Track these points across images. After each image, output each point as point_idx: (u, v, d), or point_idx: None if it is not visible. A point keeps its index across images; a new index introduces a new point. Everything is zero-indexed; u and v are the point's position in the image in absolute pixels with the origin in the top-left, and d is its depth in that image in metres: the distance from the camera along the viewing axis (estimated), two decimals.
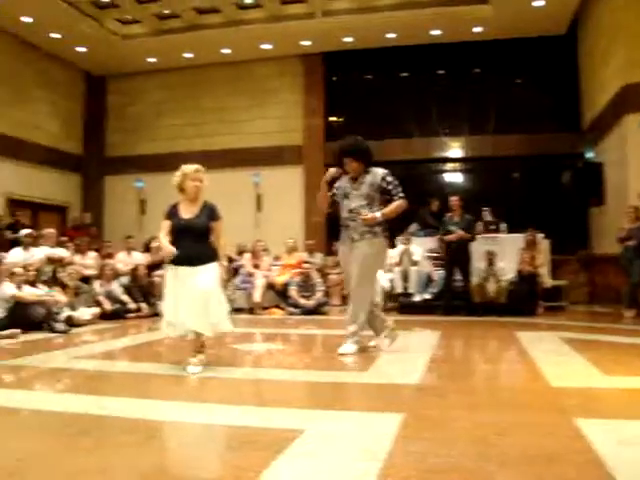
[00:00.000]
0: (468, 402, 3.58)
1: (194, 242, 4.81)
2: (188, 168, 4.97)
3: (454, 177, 15.17)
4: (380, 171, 5.71)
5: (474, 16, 12.60)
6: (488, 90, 14.25)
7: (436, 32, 13.47)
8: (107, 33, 13.82)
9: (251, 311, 10.74)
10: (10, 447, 2.77)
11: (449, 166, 15.13)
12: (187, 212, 4.91)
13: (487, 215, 11.53)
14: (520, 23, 12.66)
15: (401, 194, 5.63)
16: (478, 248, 10.03)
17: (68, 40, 13.94)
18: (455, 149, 14.57)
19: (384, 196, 5.64)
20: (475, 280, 9.96)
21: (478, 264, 10.08)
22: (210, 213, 4.94)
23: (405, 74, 15.14)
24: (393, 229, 11.65)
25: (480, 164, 14.67)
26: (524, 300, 9.70)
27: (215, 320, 4.74)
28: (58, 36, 13.73)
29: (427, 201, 12.30)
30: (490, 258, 10.06)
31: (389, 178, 5.67)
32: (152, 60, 15.18)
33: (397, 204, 5.58)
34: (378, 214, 5.49)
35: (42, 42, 14.06)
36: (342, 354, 5.44)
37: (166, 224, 4.92)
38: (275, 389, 4.27)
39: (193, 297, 4.66)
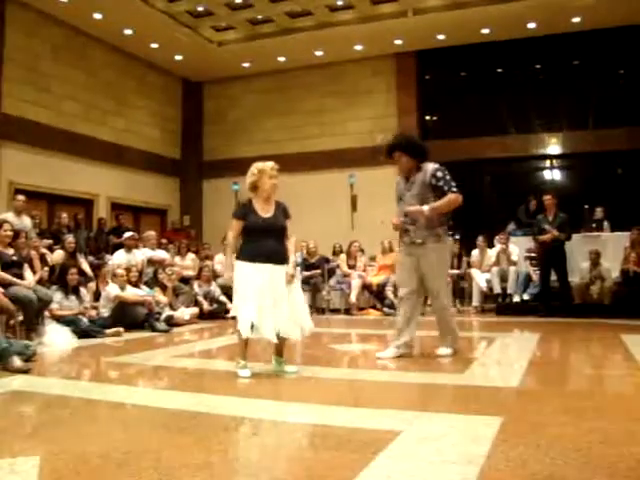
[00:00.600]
0: (570, 407, 3.45)
1: (275, 241, 4.70)
2: (266, 165, 4.77)
3: (552, 174, 14.70)
4: (430, 166, 5.32)
5: (572, 5, 12.15)
6: (588, 82, 13.72)
7: (532, 25, 13.09)
8: (203, 40, 14.24)
9: (347, 312, 10.78)
10: (117, 439, 2.89)
11: (547, 163, 14.66)
12: (264, 211, 4.74)
13: (599, 213, 11.08)
14: (621, 10, 12.11)
15: (454, 188, 5.23)
16: (580, 247, 9.66)
17: (166, 49, 14.47)
18: (553, 145, 14.10)
19: (436, 193, 5.26)
20: (577, 280, 9.60)
21: (581, 264, 9.71)
22: (285, 212, 4.85)
23: (500, 70, 14.79)
24: (491, 228, 11.58)
25: (580, 160, 14.15)
26: (630, 301, 9.25)
27: (302, 323, 4.68)
28: (156, 46, 14.29)
29: (525, 200, 11.94)
30: (594, 258, 9.65)
31: (439, 173, 5.26)
32: (246, 65, 15.52)
33: (449, 198, 5.19)
34: (426, 207, 5.15)
35: (141, 52, 14.67)
36: (441, 355, 5.44)
37: (238, 225, 4.73)
38: (372, 390, 4.26)
39: (281, 299, 4.56)
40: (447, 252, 5.55)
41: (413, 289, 5.37)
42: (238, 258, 4.67)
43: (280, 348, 4.74)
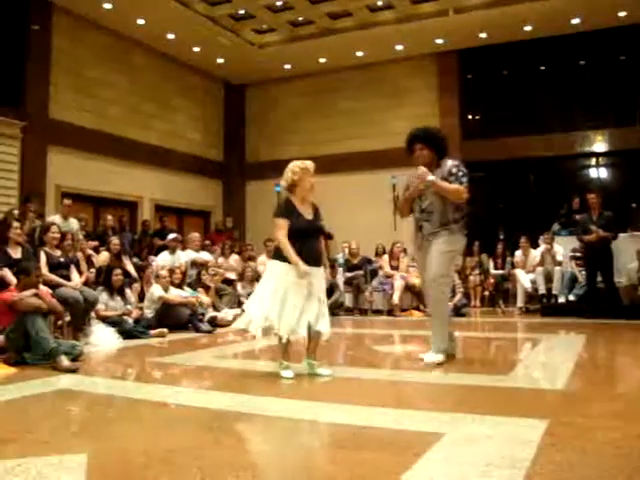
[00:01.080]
0: (618, 411, 3.37)
1: (315, 243, 4.66)
2: (308, 163, 4.66)
3: (599, 172, 14.40)
4: (450, 162, 5.15)
5: None
6: (634, 78, 13.39)
7: (576, 20, 12.86)
8: (244, 43, 14.34)
9: (389, 313, 10.73)
10: (160, 438, 2.93)
11: (593, 161, 14.37)
12: (305, 212, 4.65)
13: None
14: None
15: (465, 183, 5.03)
16: (628, 247, 9.45)
17: (208, 52, 14.63)
18: (599, 143, 13.81)
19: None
20: (624, 281, 9.39)
21: (628, 264, 9.50)
22: (319, 213, 4.77)
23: (543, 67, 14.55)
24: (536, 228, 11.40)
25: (627, 157, 13.81)
26: None
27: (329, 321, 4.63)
28: (198, 49, 14.46)
29: (569, 199, 11.73)
30: None
31: (455, 169, 5.07)
32: (288, 67, 15.59)
33: (455, 186, 4.99)
34: (432, 177, 4.99)
35: (184, 56, 14.86)
36: (426, 362, 4.94)
37: (286, 224, 4.55)
38: (414, 391, 4.23)
39: (316, 299, 4.52)
40: (457, 245, 5.16)
41: None
42: (277, 258, 4.57)
43: (313, 349, 4.65)
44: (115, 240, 9.21)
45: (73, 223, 9.55)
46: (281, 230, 4.53)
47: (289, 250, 4.44)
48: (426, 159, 5.14)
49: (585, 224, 9.31)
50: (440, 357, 4.95)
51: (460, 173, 5.06)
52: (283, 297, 4.43)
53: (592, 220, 9.24)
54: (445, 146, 5.25)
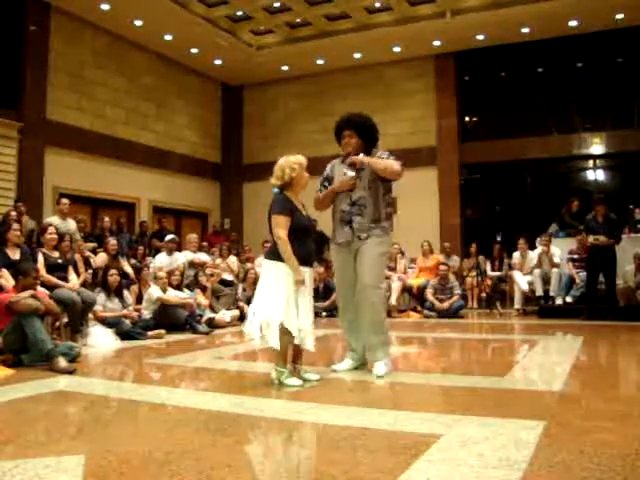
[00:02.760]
0: (615, 413, 3.37)
1: (311, 241, 4.49)
2: (301, 158, 4.47)
3: (596, 174, 14.43)
4: (378, 153, 4.77)
5: (615, 1, 11.90)
6: (632, 80, 13.43)
7: (573, 23, 12.89)
8: (242, 45, 14.36)
9: (387, 314, 10.72)
10: (159, 440, 2.92)
11: (590, 163, 14.40)
12: (301, 209, 4.46)
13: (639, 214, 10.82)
14: None
15: (398, 161, 4.69)
16: (625, 249, 9.46)
17: (205, 54, 14.65)
18: (597, 145, 13.84)
19: (386, 183, 4.71)
20: (621, 283, 9.41)
21: (624, 266, 9.51)
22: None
23: (540, 69, 14.58)
24: (533, 230, 11.41)
25: (624, 160, 13.85)
26: None
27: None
28: (196, 51, 14.48)
29: (567, 201, 11.74)
30: (639, 262, 9.44)
31: (385, 155, 4.73)
32: (285, 68, 15.61)
33: (390, 161, 4.66)
34: (366, 158, 4.63)
35: (181, 57, 14.88)
36: (380, 376, 4.49)
37: (288, 222, 4.30)
38: (412, 393, 4.23)
39: (310, 302, 4.36)
40: (389, 246, 4.94)
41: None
42: (277, 259, 4.27)
43: (300, 353, 4.44)
44: (112, 241, 9.20)
45: (71, 224, 9.54)
46: (283, 229, 4.26)
47: (290, 253, 4.19)
48: (354, 147, 4.77)
49: (589, 226, 9.27)
50: (389, 365, 4.64)
51: (392, 158, 4.72)
52: (294, 302, 4.24)
53: (598, 222, 9.20)
54: (375, 134, 4.88)
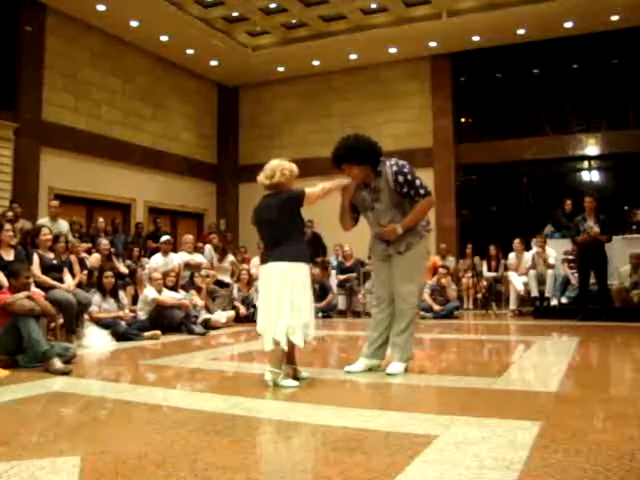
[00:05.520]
0: (611, 413, 3.38)
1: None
2: (296, 168, 4.49)
3: (591, 175, 14.47)
4: (389, 171, 4.57)
5: (611, 3, 11.95)
6: (627, 81, 13.49)
7: (569, 24, 12.93)
8: (238, 46, 14.37)
9: None
10: (154, 441, 2.92)
11: (585, 164, 14.44)
12: None
13: (639, 215, 10.84)
14: None
15: (422, 191, 4.57)
16: (620, 250, 9.48)
17: (201, 55, 14.65)
18: (592, 146, 13.89)
19: (406, 200, 4.61)
20: (616, 284, 9.43)
21: (620, 267, 9.54)
22: None
23: (536, 70, 14.62)
24: (528, 231, 11.43)
25: (620, 161, 13.90)
26: None
27: None
28: (192, 52, 14.48)
29: (561, 201, 11.77)
30: (636, 262, 9.46)
31: (401, 178, 4.54)
32: (281, 69, 15.61)
33: (420, 206, 4.59)
34: (399, 229, 4.54)
35: (177, 58, 14.88)
36: (391, 374, 4.56)
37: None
38: (407, 394, 4.23)
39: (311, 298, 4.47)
40: (424, 250, 4.85)
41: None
42: (301, 260, 4.31)
43: (293, 354, 4.46)
44: (104, 241, 9.19)
45: (62, 225, 9.52)
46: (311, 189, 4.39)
47: (329, 186, 4.53)
48: (359, 176, 4.67)
49: (579, 226, 9.31)
50: (404, 365, 4.66)
51: (410, 177, 4.56)
52: (311, 301, 4.34)
53: (588, 223, 9.23)
54: (374, 152, 4.68)
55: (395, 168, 4.58)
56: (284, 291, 4.20)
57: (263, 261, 4.47)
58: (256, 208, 4.52)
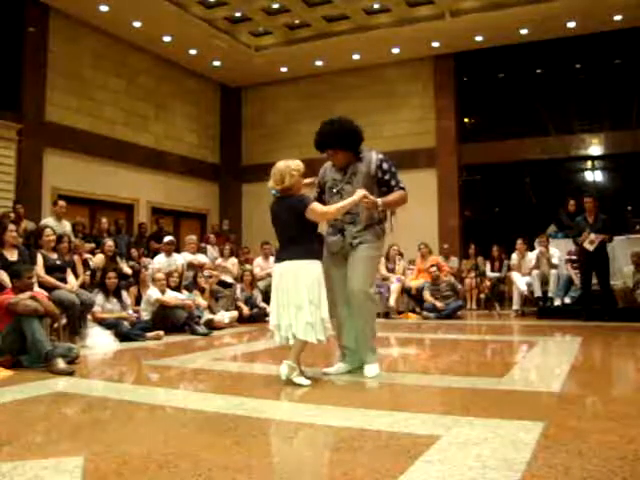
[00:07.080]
0: (615, 413, 3.38)
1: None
2: (301, 164, 4.46)
3: (594, 175, 14.45)
4: (374, 157, 4.63)
5: (614, 3, 11.93)
6: (630, 81, 13.46)
7: (572, 24, 12.91)
8: (240, 46, 14.38)
9: (386, 315, 10.73)
10: (157, 441, 2.92)
11: (588, 164, 14.42)
12: None
13: None
14: None
15: (401, 184, 4.64)
16: (623, 250, 9.46)
17: (204, 55, 14.66)
18: (595, 146, 13.87)
19: (381, 188, 4.62)
20: (619, 284, 9.40)
21: (623, 267, 9.52)
22: None
23: (539, 70, 14.61)
24: (531, 231, 11.42)
25: (623, 161, 13.88)
26: None
27: None
28: (195, 52, 14.49)
29: (564, 201, 11.75)
30: (637, 261, 9.44)
31: (386, 165, 4.61)
32: (284, 69, 15.61)
33: (399, 194, 4.61)
34: (379, 200, 4.45)
35: (180, 59, 14.89)
36: (372, 377, 4.53)
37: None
38: (410, 394, 4.23)
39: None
40: (382, 250, 4.88)
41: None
42: (313, 256, 4.35)
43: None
44: (109, 242, 9.20)
45: (66, 225, 9.54)
46: (320, 208, 4.38)
47: (343, 205, 4.36)
48: (342, 161, 4.66)
49: (580, 226, 9.30)
50: (378, 367, 4.66)
51: (394, 169, 4.66)
52: (325, 297, 4.38)
53: (588, 223, 9.24)
54: (358, 137, 4.65)
55: (381, 156, 4.67)
56: (300, 288, 4.26)
57: (277, 259, 4.57)
58: (272, 208, 4.59)
